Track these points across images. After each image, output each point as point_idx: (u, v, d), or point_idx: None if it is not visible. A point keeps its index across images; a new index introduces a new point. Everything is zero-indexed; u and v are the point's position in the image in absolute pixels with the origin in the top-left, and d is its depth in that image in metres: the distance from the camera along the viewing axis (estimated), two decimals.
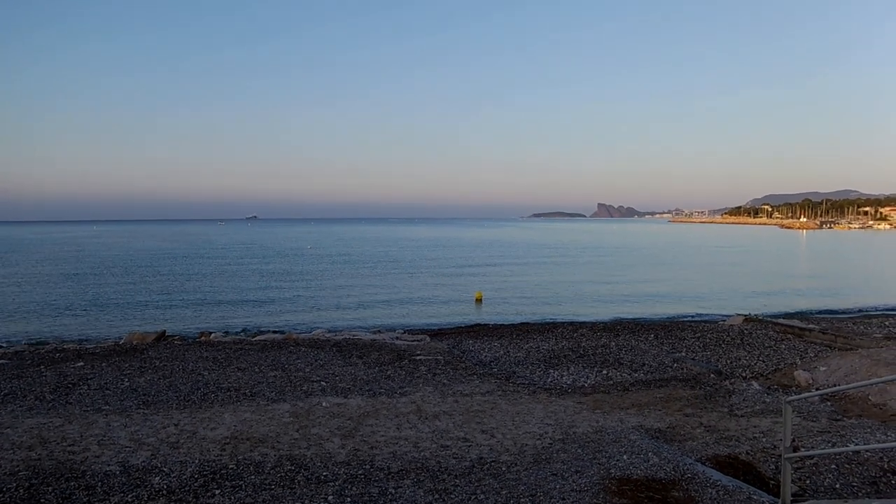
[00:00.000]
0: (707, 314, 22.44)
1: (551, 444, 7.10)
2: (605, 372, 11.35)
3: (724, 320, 19.28)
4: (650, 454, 6.75)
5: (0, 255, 63.87)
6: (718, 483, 5.94)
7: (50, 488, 5.86)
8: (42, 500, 5.60)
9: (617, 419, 8.25)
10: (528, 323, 18.76)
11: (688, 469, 6.31)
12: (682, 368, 11.80)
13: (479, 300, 26.48)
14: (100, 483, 5.98)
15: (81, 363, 11.79)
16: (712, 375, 11.34)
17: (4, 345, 16.15)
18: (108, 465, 6.47)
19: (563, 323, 18.12)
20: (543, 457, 6.67)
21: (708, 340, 14.67)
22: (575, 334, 15.39)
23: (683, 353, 13.22)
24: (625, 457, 6.68)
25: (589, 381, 10.63)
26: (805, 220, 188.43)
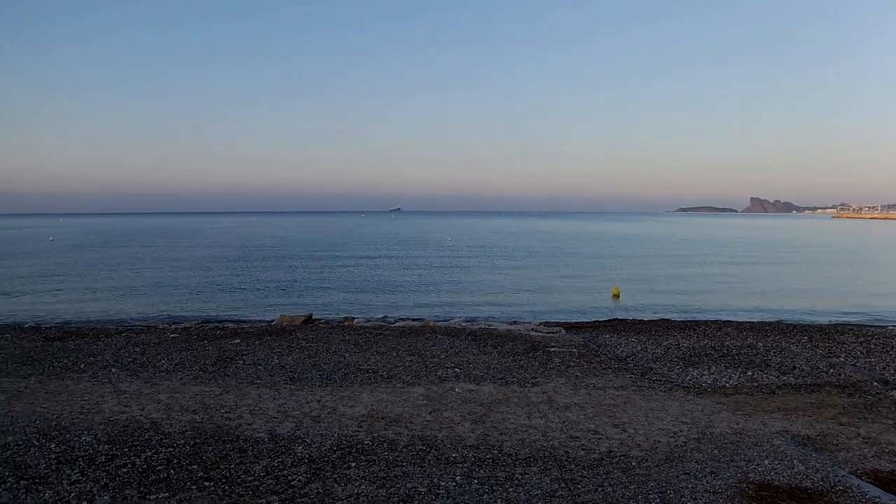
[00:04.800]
0: (874, 317, 20.44)
1: (685, 442, 6.86)
2: (749, 373, 10.72)
3: None
4: (795, 461, 6.34)
5: (174, 241, 70.87)
6: (877, 500, 5.48)
7: (210, 448, 6.52)
8: (204, 458, 6.24)
9: (759, 422, 7.80)
10: (667, 319, 18.04)
11: (839, 481, 5.87)
12: (840, 374, 10.88)
13: (616, 295, 25.82)
14: (251, 448, 6.57)
15: (238, 340, 12.88)
16: (876, 384, 10.35)
17: (176, 321, 17.95)
18: (259, 432, 7.07)
19: (706, 321, 17.24)
20: (676, 455, 6.46)
21: (873, 346, 13.38)
22: (718, 333, 14.63)
23: (842, 358, 12.17)
24: (766, 462, 6.32)
25: (731, 382, 10.09)
26: None
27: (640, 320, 17.93)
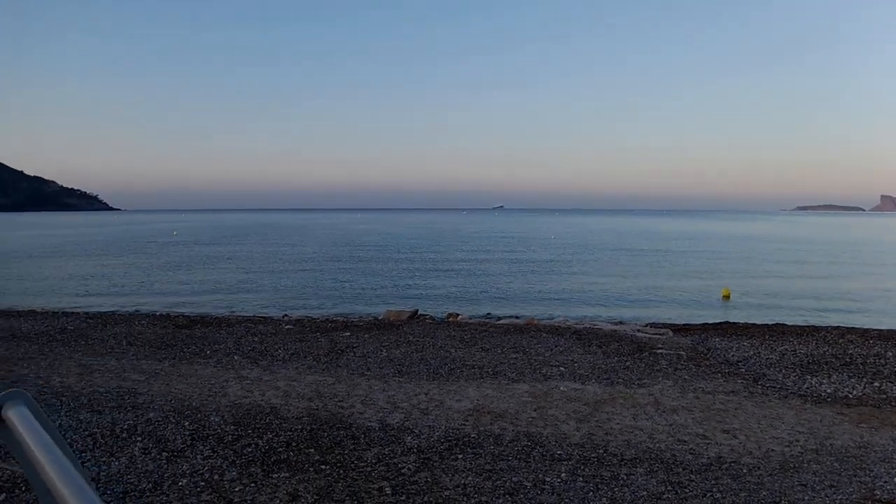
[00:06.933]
0: None
1: (802, 452, 6.59)
2: (876, 384, 10.07)
3: None
4: None
5: (283, 237, 74.41)
6: None
7: (325, 434, 6.91)
8: (320, 443, 6.64)
9: (887, 437, 7.35)
10: (782, 324, 17.14)
11: None
12: None
13: (726, 297, 24.80)
14: (363, 435, 6.90)
15: (348, 333, 13.43)
16: None
17: (288, 313, 18.91)
18: (370, 421, 7.41)
19: (826, 327, 16.25)
20: (791, 465, 6.23)
21: None
22: (840, 340, 13.78)
23: None
24: (895, 479, 5.98)
25: (855, 393, 9.53)
26: None
27: (752, 324, 17.16)
